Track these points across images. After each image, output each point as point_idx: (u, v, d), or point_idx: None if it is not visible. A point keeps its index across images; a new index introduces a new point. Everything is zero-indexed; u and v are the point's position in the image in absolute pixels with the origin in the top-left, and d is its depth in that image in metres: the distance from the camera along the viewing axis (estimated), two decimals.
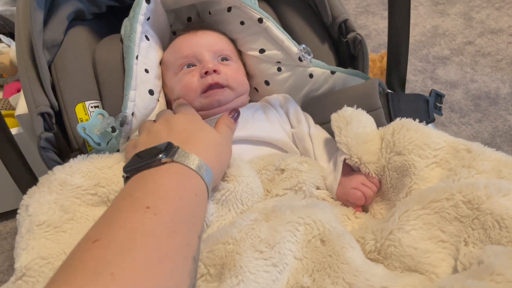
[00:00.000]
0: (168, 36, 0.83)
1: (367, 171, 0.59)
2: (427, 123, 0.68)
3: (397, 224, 0.46)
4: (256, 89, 0.83)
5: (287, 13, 0.84)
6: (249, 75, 0.82)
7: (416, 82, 1.21)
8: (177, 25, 0.87)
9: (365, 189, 0.59)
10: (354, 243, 0.45)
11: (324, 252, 0.44)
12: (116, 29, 0.82)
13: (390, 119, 0.66)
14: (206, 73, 0.71)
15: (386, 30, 0.69)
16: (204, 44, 0.74)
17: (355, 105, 0.63)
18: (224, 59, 0.76)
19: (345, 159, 0.61)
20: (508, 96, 1.15)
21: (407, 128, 0.58)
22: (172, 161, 0.46)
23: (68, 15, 0.75)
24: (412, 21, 1.41)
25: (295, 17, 0.83)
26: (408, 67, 1.25)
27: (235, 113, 0.67)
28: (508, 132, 1.06)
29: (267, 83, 0.80)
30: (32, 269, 0.48)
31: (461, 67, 1.26)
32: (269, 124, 0.71)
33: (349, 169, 0.63)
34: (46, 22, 0.72)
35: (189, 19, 0.87)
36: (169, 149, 0.47)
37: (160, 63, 0.79)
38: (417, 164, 0.54)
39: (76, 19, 0.79)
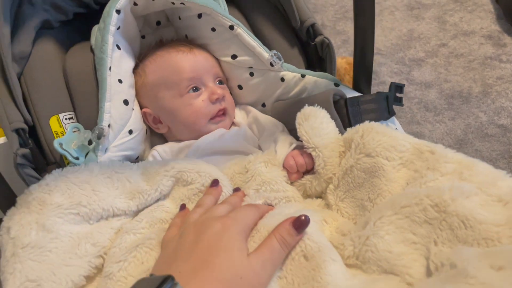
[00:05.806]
0: (138, 42, 0.83)
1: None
2: (388, 118, 0.72)
3: (372, 230, 0.50)
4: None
5: (257, 17, 0.85)
6: None
7: None
8: (146, 29, 0.87)
9: (298, 158, 0.65)
10: (335, 255, 0.48)
11: (308, 267, 0.47)
12: (84, 35, 0.82)
13: (349, 123, 0.70)
14: (216, 99, 0.75)
15: None
16: (205, 66, 0.78)
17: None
18: (221, 81, 0.80)
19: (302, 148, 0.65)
20: (480, 94, 1.20)
21: (376, 131, 0.61)
22: None
23: (35, 26, 0.74)
24: (388, 25, 1.45)
25: (265, 22, 0.84)
26: (385, 69, 1.32)
27: (303, 217, 0.50)
28: (480, 128, 1.12)
29: (240, 87, 0.81)
30: None
31: (435, 68, 1.30)
32: (242, 135, 0.76)
33: None
34: (13, 34, 0.70)
35: (158, 23, 0.87)
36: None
37: (135, 69, 0.79)
38: (385, 167, 0.58)
39: (43, 28, 0.77)
